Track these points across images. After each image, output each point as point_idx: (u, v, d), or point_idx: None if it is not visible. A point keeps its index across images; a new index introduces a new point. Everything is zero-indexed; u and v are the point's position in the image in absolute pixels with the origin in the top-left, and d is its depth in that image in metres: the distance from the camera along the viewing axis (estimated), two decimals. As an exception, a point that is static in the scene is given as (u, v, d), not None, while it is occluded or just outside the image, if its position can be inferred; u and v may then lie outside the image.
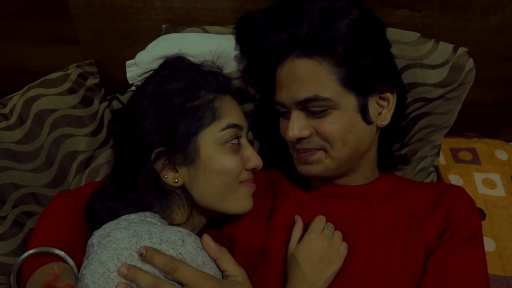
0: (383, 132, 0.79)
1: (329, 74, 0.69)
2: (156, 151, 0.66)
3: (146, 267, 0.56)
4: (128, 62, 0.90)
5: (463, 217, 0.72)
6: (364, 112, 0.72)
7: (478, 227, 0.72)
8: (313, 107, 0.70)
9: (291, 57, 0.72)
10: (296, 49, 0.71)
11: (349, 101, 0.71)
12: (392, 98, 0.75)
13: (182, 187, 0.69)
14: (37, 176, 0.84)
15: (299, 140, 0.73)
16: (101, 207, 0.67)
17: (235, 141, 0.70)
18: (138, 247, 0.56)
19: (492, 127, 1.17)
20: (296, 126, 0.72)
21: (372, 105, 0.74)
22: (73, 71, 0.95)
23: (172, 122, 0.67)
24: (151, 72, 0.74)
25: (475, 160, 1.07)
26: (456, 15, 0.95)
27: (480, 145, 1.10)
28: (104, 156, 0.92)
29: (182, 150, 0.67)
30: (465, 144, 1.11)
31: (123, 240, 0.58)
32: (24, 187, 0.83)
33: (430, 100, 0.91)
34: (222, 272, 0.63)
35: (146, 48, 0.91)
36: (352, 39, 0.69)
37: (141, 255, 0.56)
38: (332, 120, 0.70)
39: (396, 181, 0.82)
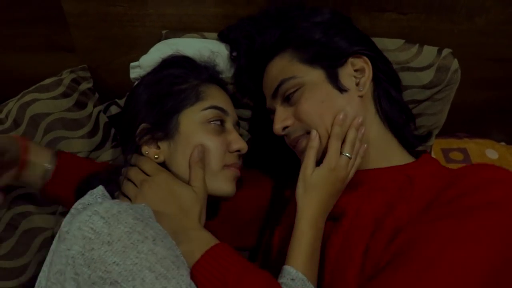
0: (389, 114, 0.72)
1: (290, 60, 0.72)
2: (141, 127, 0.67)
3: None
4: (132, 64, 0.90)
5: (457, 195, 0.57)
6: (334, 81, 0.69)
7: (480, 207, 0.53)
8: (285, 92, 0.71)
9: (267, 67, 0.77)
10: (265, 58, 0.76)
11: (316, 74, 0.70)
12: (366, 66, 0.71)
13: (163, 165, 0.67)
14: (31, 177, 0.82)
15: (287, 133, 0.72)
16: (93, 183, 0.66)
17: (217, 122, 0.69)
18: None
19: (482, 127, 1.16)
20: (279, 118, 0.72)
21: (347, 78, 0.70)
22: (67, 76, 0.94)
23: (158, 102, 0.68)
24: None
25: (466, 159, 1.06)
26: (441, 17, 0.95)
27: (471, 145, 1.09)
28: (102, 158, 0.91)
29: (164, 126, 0.67)
30: (456, 144, 1.10)
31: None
32: (19, 188, 0.81)
33: (419, 102, 0.90)
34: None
35: (149, 51, 0.91)
36: (297, 26, 0.73)
37: None
38: (305, 98, 0.69)
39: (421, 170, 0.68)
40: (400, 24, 0.95)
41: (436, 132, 0.97)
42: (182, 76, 0.72)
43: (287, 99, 0.71)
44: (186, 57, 0.77)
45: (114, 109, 0.99)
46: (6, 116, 0.86)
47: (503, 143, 1.13)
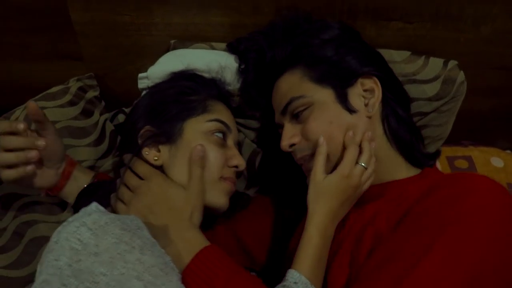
0: (396, 127, 0.71)
1: (300, 77, 0.70)
2: (144, 128, 0.68)
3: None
4: (140, 75, 0.89)
5: (431, 206, 0.55)
6: (343, 102, 0.68)
7: (454, 219, 0.52)
8: (294, 110, 0.70)
9: (276, 81, 0.75)
10: (275, 72, 0.75)
11: (325, 94, 0.68)
12: (376, 87, 0.69)
13: (161, 169, 0.67)
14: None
15: (294, 150, 0.71)
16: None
17: (219, 135, 0.71)
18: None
19: (488, 135, 1.13)
20: (287, 135, 0.71)
21: (356, 98, 0.69)
22: (73, 85, 0.93)
23: (165, 107, 0.70)
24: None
25: (471, 167, 1.04)
26: (447, 26, 0.93)
27: (476, 153, 1.07)
28: (107, 167, 0.89)
29: (167, 131, 0.68)
30: (461, 152, 1.08)
31: None
32: (26, 196, 0.79)
33: (426, 114, 0.89)
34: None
35: (157, 62, 0.90)
36: (307, 43, 0.72)
37: None
38: (313, 117, 0.68)
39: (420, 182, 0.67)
40: (406, 33, 0.93)
41: (441, 143, 0.95)
42: (193, 88, 0.73)
43: (296, 117, 0.70)
44: (197, 73, 0.79)
45: (121, 118, 0.97)
46: (13, 125, 0.84)
47: (508, 151, 1.10)
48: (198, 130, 0.69)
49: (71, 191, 0.73)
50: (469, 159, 1.06)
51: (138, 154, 0.68)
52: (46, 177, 0.69)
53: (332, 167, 0.66)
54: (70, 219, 0.54)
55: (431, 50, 0.93)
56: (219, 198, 0.68)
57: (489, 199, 0.52)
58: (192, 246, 0.57)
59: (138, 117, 0.71)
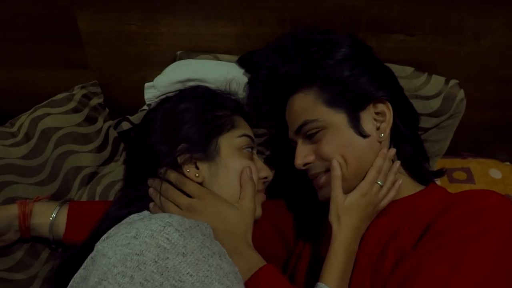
0: (404, 148, 0.72)
1: (314, 99, 0.69)
2: (181, 146, 0.66)
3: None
4: (146, 84, 0.88)
5: (451, 223, 0.57)
6: (355, 126, 0.67)
7: (474, 236, 0.54)
8: (307, 132, 0.69)
9: (290, 97, 0.74)
10: (288, 88, 0.73)
11: (339, 118, 0.68)
12: (388, 111, 0.69)
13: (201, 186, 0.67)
14: (41, 189, 0.79)
15: (308, 168, 0.71)
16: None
17: (249, 150, 0.71)
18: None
19: (488, 147, 1.11)
20: (301, 154, 0.71)
21: (368, 121, 0.68)
22: (78, 92, 0.91)
23: (201, 121, 0.69)
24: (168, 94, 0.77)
25: (469, 179, 1.02)
26: (448, 39, 0.91)
27: (474, 164, 1.05)
28: (109, 173, 0.87)
29: (204, 148, 0.67)
30: (460, 164, 1.06)
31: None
32: (27, 199, 0.76)
33: (426, 130, 0.88)
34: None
35: (163, 72, 0.89)
36: (322, 64, 0.70)
37: None
38: (326, 140, 0.68)
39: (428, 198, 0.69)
40: (407, 45, 0.91)
41: (438, 159, 0.95)
42: (217, 103, 0.73)
43: (309, 137, 0.70)
44: (211, 88, 0.78)
45: (125, 125, 0.96)
46: (18, 130, 0.82)
47: (507, 163, 1.08)
48: (232, 146, 0.69)
49: (39, 230, 0.71)
50: (467, 170, 1.04)
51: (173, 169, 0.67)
52: (6, 241, 0.70)
53: (350, 186, 0.66)
54: (134, 219, 0.54)
55: (432, 62, 0.91)
56: (257, 210, 0.69)
57: (505, 214, 0.55)
58: (251, 264, 0.59)
59: (177, 129, 0.68)
